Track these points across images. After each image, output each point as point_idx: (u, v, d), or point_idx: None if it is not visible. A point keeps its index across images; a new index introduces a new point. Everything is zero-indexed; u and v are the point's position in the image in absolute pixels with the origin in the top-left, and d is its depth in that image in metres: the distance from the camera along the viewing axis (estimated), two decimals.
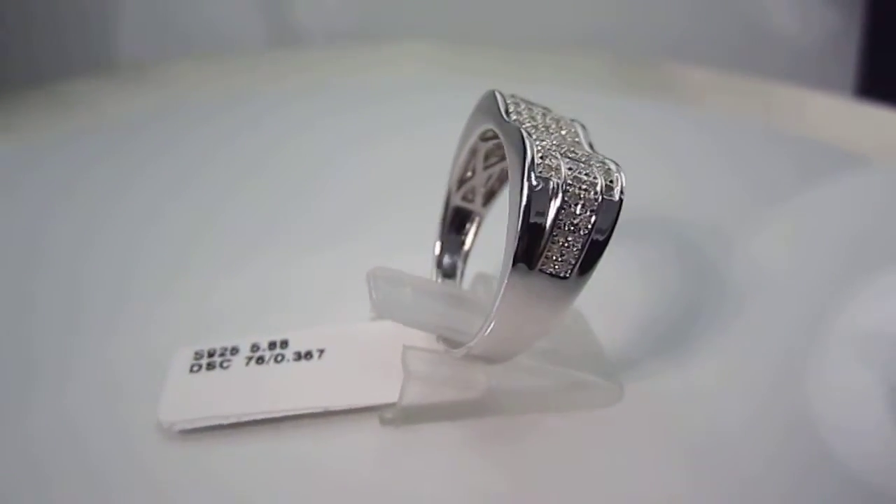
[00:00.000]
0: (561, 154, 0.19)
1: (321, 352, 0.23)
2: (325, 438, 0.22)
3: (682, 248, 0.29)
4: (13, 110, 0.36)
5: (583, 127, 0.21)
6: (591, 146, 0.20)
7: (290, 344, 0.24)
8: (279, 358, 0.23)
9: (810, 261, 0.28)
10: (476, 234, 0.25)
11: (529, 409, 0.22)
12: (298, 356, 0.23)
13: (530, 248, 0.18)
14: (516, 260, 0.18)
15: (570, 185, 0.18)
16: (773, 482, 0.21)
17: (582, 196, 0.18)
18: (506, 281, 0.18)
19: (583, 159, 0.19)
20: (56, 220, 0.30)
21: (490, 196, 0.24)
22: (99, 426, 0.22)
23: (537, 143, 0.19)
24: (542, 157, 0.18)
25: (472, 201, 0.24)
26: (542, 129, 0.20)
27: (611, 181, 0.19)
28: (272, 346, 0.24)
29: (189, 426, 0.22)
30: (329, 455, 0.21)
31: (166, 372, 0.23)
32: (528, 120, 0.20)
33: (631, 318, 0.25)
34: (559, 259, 0.18)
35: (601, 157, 0.19)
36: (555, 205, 0.18)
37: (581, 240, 0.18)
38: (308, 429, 0.22)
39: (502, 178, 0.24)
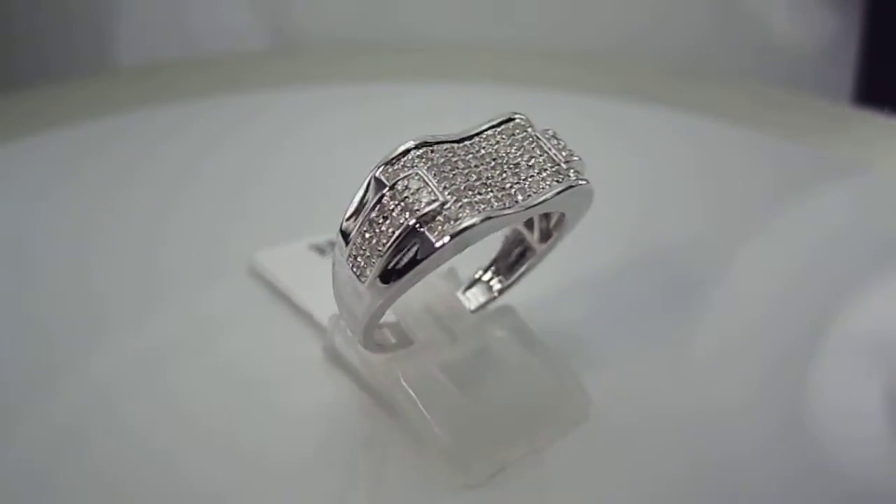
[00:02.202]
0: (433, 176, 0.18)
1: None
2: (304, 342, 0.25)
3: (679, 255, 0.28)
4: (12, 111, 0.36)
5: (558, 178, 0.19)
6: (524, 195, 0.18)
7: None
8: None
9: (808, 268, 0.28)
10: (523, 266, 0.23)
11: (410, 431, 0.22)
12: None
13: (346, 232, 0.18)
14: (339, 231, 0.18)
15: (390, 198, 0.18)
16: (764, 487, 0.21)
17: (390, 215, 0.18)
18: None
19: (449, 190, 0.18)
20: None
21: (546, 235, 0.22)
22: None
23: (423, 157, 0.18)
24: (403, 165, 0.18)
25: (531, 230, 0.23)
26: (483, 149, 0.19)
27: (455, 218, 0.17)
28: None
29: (258, 271, 0.27)
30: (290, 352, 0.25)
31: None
32: (489, 138, 0.19)
33: (620, 328, 0.25)
34: (359, 259, 0.18)
35: (499, 206, 0.18)
36: (368, 206, 0.18)
37: (376, 256, 0.18)
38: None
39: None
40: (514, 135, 0.19)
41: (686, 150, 0.34)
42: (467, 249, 0.22)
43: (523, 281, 0.23)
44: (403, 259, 0.17)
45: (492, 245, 0.24)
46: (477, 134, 0.19)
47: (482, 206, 0.18)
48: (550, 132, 0.20)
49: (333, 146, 0.32)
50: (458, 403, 0.21)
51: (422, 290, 0.23)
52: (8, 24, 0.43)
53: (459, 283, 0.24)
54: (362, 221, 0.18)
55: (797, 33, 0.43)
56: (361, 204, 0.18)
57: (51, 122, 0.34)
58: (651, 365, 0.24)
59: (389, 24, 0.43)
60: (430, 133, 0.19)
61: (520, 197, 0.18)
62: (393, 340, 0.22)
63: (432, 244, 0.17)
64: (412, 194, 0.18)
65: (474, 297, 0.24)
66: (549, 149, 0.19)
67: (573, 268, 0.25)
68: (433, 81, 0.35)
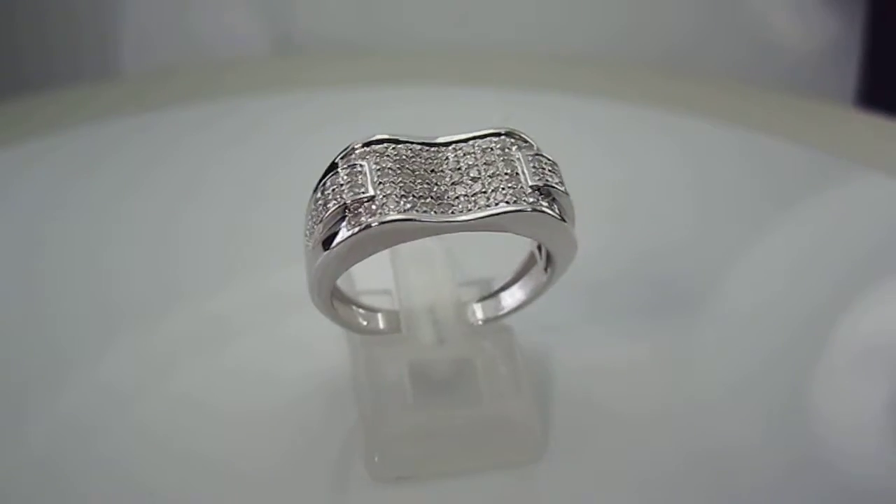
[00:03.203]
0: (377, 171, 0.19)
1: None
2: None
3: (681, 255, 0.28)
4: (13, 115, 0.36)
5: (509, 200, 0.19)
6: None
7: None
8: None
9: (811, 271, 0.28)
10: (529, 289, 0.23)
11: None
12: None
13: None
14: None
15: (331, 182, 0.19)
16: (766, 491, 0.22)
17: (326, 198, 0.19)
18: None
19: (383, 186, 0.18)
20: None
21: (549, 264, 0.22)
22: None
23: (380, 152, 0.19)
24: (360, 155, 0.19)
25: (541, 256, 0.22)
26: (450, 157, 0.19)
27: (373, 214, 0.18)
28: None
29: None
30: None
31: None
32: (464, 147, 0.19)
33: (615, 327, 0.26)
34: (306, 230, 0.19)
35: (426, 213, 0.18)
36: (320, 186, 0.19)
37: (312, 231, 0.19)
38: None
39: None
40: (491, 149, 0.19)
41: (686, 152, 0.34)
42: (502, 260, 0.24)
43: None
44: (333, 239, 0.18)
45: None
46: (457, 141, 0.19)
47: (405, 209, 0.18)
48: (545, 159, 0.20)
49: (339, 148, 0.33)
50: (403, 401, 0.22)
51: (431, 290, 0.24)
52: (12, 30, 0.43)
53: (486, 292, 0.24)
54: (312, 199, 0.19)
55: (799, 35, 0.43)
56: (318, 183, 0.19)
57: (59, 125, 0.34)
58: (649, 363, 0.24)
59: (393, 28, 0.43)
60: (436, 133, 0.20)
61: (458, 208, 0.18)
62: (382, 326, 0.23)
63: (349, 232, 0.18)
64: (346, 183, 0.18)
65: (483, 310, 0.24)
66: (523, 171, 0.19)
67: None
68: (438, 85, 0.35)
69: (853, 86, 0.44)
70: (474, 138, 0.20)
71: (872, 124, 0.36)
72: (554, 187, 0.19)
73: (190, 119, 0.35)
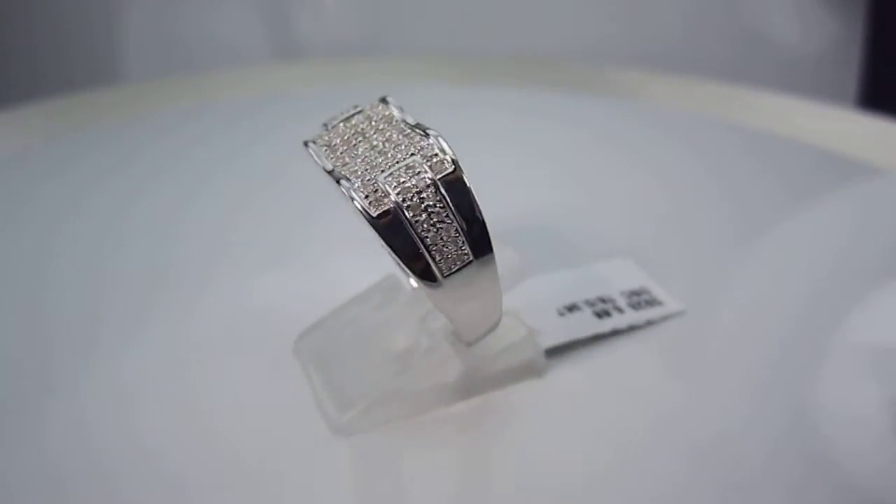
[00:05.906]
0: (348, 118, 0.22)
1: None
2: None
3: (686, 258, 0.29)
4: (16, 120, 0.37)
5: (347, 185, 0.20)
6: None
7: None
8: None
9: (812, 271, 0.29)
10: None
11: None
12: None
13: None
14: None
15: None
16: (769, 491, 0.22)
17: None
18: None
19: (334, 130, 0.22)
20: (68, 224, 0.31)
21: None
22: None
23: (366, 110, 0.22)
24: (359, 109, 0.23)
25: None
26: (392, 136, 0.21)
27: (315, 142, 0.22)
28: None
29: None
30: None
31: None
32: (396, 133, 0.21)
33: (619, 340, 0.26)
34: None
35: (325, 155, 0.21)
36: None
37: None
38: None
39: None
40: (405, 143, 0.20)
41: (689, 152, 0.34)
42: None
43: (537, 269, 0.26)
44: None
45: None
46: (412, 127, 0.21)
47: (324, 150, 0.21)
48: (424, 174, 0.20)
49: None
50: (353, 323, 0.25)
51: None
52: (12, 35, 0.46)
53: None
54: None
55: (801, 38, 0.44)
56: None
57: (68, 129, 0.36)
58: (657, 363, 0.25)
59: (395, 31, 0.44)
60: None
61: (343, 167, 0.21)
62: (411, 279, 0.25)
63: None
64: (334, 118, 0.22)
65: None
66: (389, 170, 0.20)
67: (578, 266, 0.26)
68: (440, 85, 0.36)
69: (855, 87, 0.44)
70: (419, 131, 0.21)
71: (874, 125, 0.37)
72: (393, 199, 0.19)
73: (191, 120, 0.37)
